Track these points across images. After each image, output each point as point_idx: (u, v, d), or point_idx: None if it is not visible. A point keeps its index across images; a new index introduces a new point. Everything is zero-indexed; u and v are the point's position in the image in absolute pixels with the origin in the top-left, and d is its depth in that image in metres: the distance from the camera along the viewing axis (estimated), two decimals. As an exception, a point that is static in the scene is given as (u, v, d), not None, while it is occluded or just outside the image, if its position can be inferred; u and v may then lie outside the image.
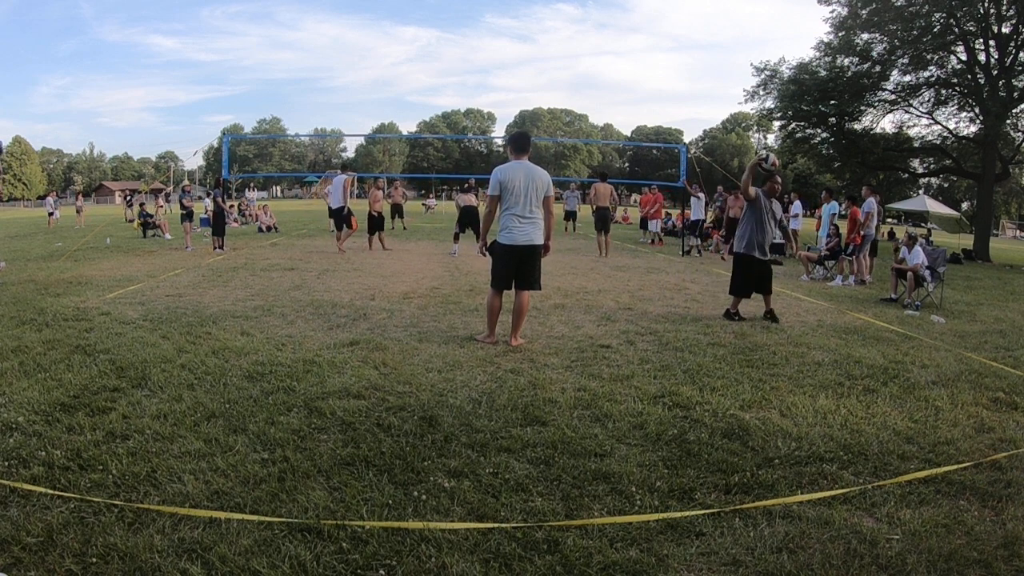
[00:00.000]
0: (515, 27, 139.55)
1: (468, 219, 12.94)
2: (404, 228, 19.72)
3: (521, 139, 5.23)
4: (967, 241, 20.74)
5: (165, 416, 3.38)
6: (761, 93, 21.78)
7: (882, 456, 3.16)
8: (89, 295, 7.09)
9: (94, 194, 72.30)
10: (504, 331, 5.41)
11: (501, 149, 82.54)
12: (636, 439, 3.27)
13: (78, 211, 24.25)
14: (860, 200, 11.25)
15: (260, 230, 18.74)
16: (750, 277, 6.54)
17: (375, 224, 13.52)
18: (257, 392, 3.80)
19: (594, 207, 13.51)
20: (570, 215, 21.34)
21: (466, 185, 14.48)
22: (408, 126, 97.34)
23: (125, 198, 31.88)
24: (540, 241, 5.11)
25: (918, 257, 8.35)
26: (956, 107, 20.93)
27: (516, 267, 5.08)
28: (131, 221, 20.19)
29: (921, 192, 40.34)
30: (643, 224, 18.47)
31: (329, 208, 18.15)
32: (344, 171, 13.07)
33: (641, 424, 3.45)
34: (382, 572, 2.11)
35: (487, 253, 5.30)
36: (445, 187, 61.48)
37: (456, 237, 13.11)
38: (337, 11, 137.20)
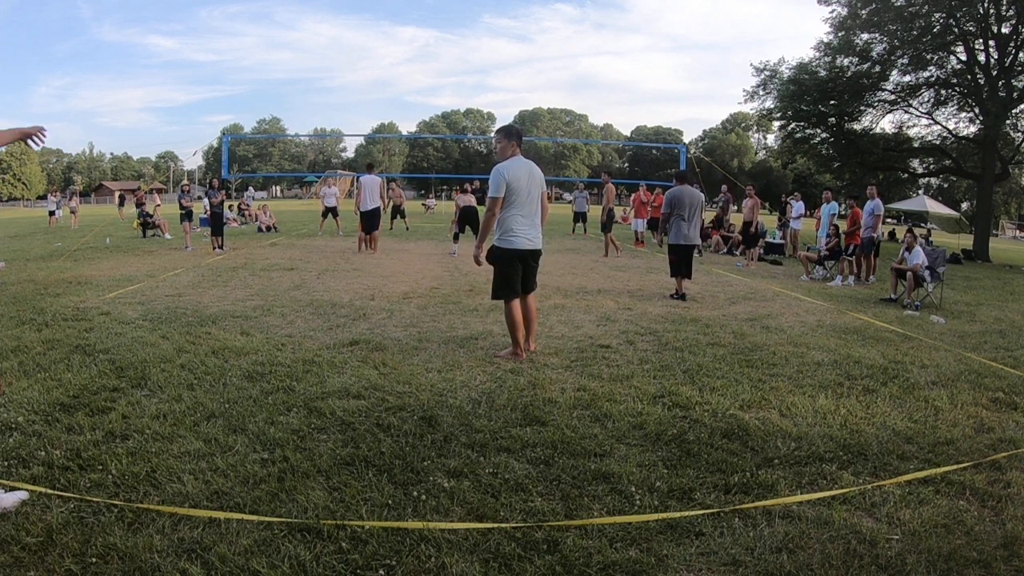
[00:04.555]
0: (513, 27, 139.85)
1: (468, 219, 12.97)
2: (407, 228, 19.72)
3: (519, 132, 4.88)
4: (967, 241, 20.75)
5: (165, 416, 3.38)
6: (761, 93, 21.79)
7: (882, 456, 3.16)
8: (89, 295, 7.09)
9: (94, 194, 72.34)
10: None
11: (496, 146, 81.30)
12: (636, 439, 3.27)
13: (72, 212, 23.65)
14: (862, 200, 11.24)
15: (260, 230, 18.73)
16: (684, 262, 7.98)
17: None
18: (257, 392, 3.80)
19: (592, 207, 13.55)
20: (580, 216, 20.27)
21: (465, 186, 14.50)
22: (407, 126, 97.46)
23: (120, 198, 31.71)
24: (541, 245, 4.82)
25: (918, 257, 8.36)
26: (956, 107, 20.95)
27: (522, 271, 4.72)
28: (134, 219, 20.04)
29: (921, 192, 40.35)
30: (649, 225, 17.97)
31: (325, 208, 18.15)
32: (370, 171, 12.96)
33: (641, 424, 3.45)
34: (382, 572, 2.11)
35: (485, 261, 4.78)
36: (445, 187, 61.50)
37: (456, 237, 13.12)
38: (335, 11, 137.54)
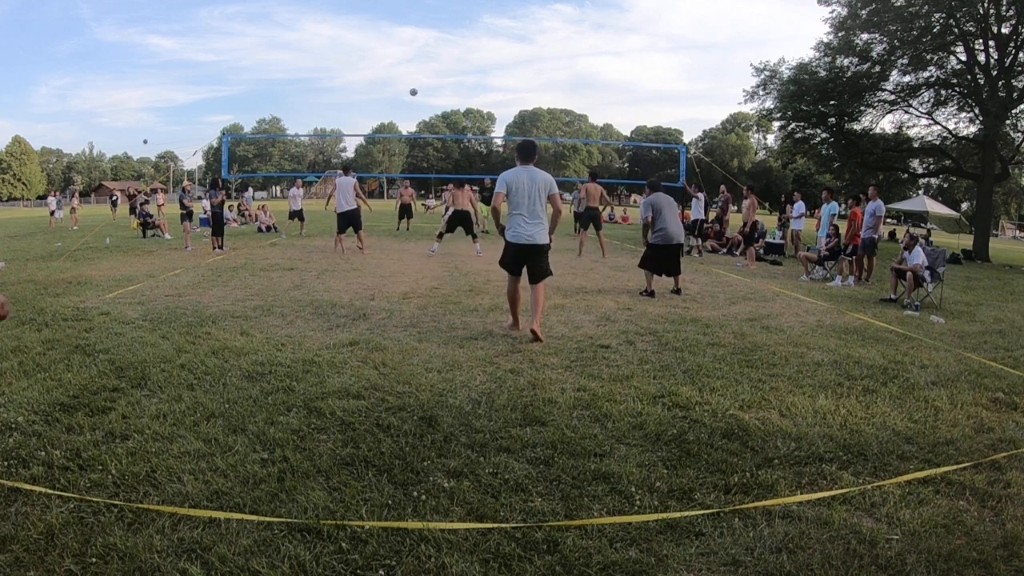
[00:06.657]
0: (513, 27, 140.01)
1: (458, 220, 12.98)
2: (408, 229, 19.70)
3: (526, 148, 5.65)
4: (967, 241, 20.75)
5: (165, 416, 3.38)
6: (761, 93, 21.76)
7: (882, 456, 3.16)
8: (89, 295, 7.09)
9: (93, 194, 72.31)
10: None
11: (500, 149, 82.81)
12: (635, 439, 3.27)
13: (72, 211, 23.76)
14: (864, 200, 11.22)
15: (260, 230, 18.73)
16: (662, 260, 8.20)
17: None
18: (257, 392, 3.80)
19: (584, 207, 13.72)
20: (579, 217, 20.80)
21: (466, 186, 14.49)
22: (407, 126, 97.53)
23: (111, 199, 31.54)
24: (542, 241, 5.39)
25: (918, 257, 8.36)
26: (956, 107, 20.92)
27: (523, 262, 5.43)
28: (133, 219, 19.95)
29: (920, 192, 40.34)
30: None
31: (292, 211, 17.45)
32: (347, 172, 12.92)
33: (640, 424, 3.46)
34: (381, 572, 2.11)
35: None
36: (444, 187, 61.50)
37: (440, 236, 13.16)
38: (335, 11, 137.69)
